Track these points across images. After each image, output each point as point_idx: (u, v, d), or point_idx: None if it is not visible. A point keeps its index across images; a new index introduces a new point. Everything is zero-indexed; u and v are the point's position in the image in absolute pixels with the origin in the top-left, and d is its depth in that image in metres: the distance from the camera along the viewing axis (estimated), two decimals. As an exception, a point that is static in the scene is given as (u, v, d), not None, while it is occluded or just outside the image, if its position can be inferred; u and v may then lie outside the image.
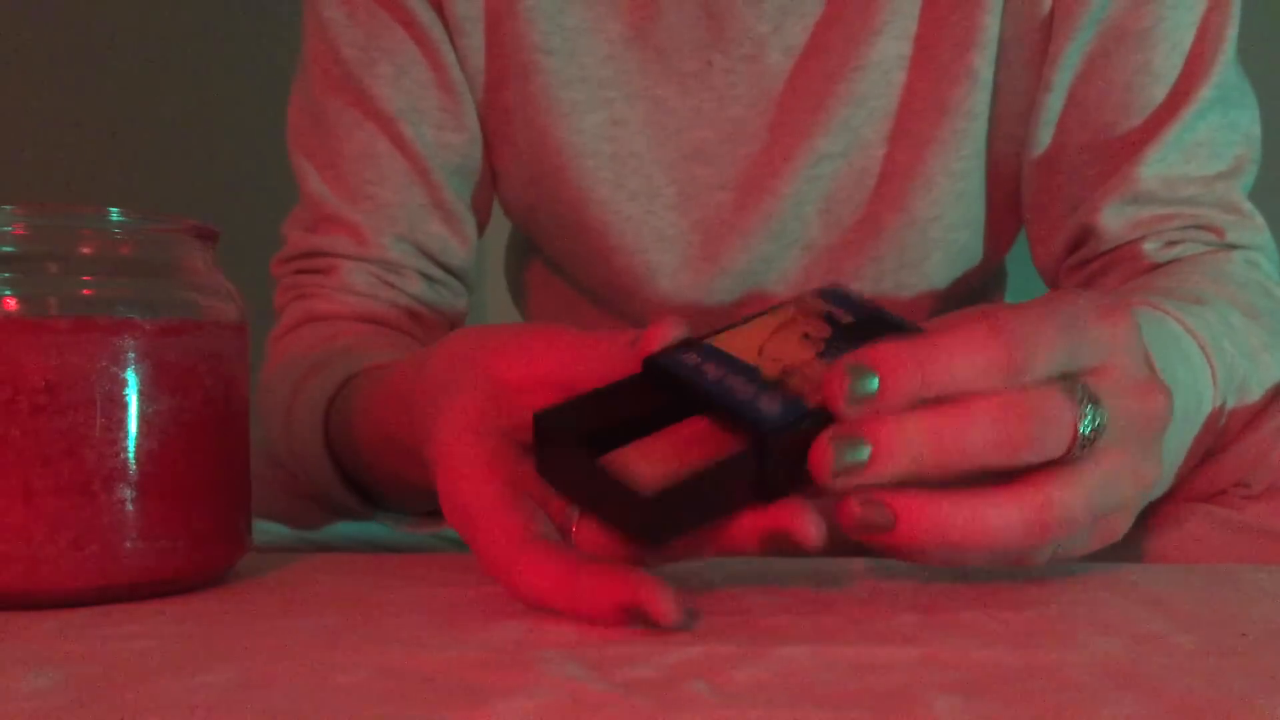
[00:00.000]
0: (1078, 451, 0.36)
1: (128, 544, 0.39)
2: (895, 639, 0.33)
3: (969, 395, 0.35)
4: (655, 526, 0.34)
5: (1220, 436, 0.52)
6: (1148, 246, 0.60)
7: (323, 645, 0.33)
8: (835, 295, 0.40)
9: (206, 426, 0.41)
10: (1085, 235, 0.62)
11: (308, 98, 0.69)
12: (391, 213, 0.68)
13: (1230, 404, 0.51)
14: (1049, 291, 0.40)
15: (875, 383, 0.34)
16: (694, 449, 0.35)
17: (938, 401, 0.34)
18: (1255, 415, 0.53)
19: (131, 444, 0.39)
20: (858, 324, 0.39)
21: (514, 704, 0.27)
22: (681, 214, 0.67)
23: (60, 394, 0.38)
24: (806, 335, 0.38)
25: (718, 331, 0.39)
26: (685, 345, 0.38)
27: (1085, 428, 0.36)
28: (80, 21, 1.32)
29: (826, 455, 0.34)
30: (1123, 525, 0.39)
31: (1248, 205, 0.61)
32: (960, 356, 0.34)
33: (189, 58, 1.26)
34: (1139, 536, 0.51)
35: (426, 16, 0.66)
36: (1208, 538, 0.51)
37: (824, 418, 0.35)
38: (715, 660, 0.30)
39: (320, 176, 0.68)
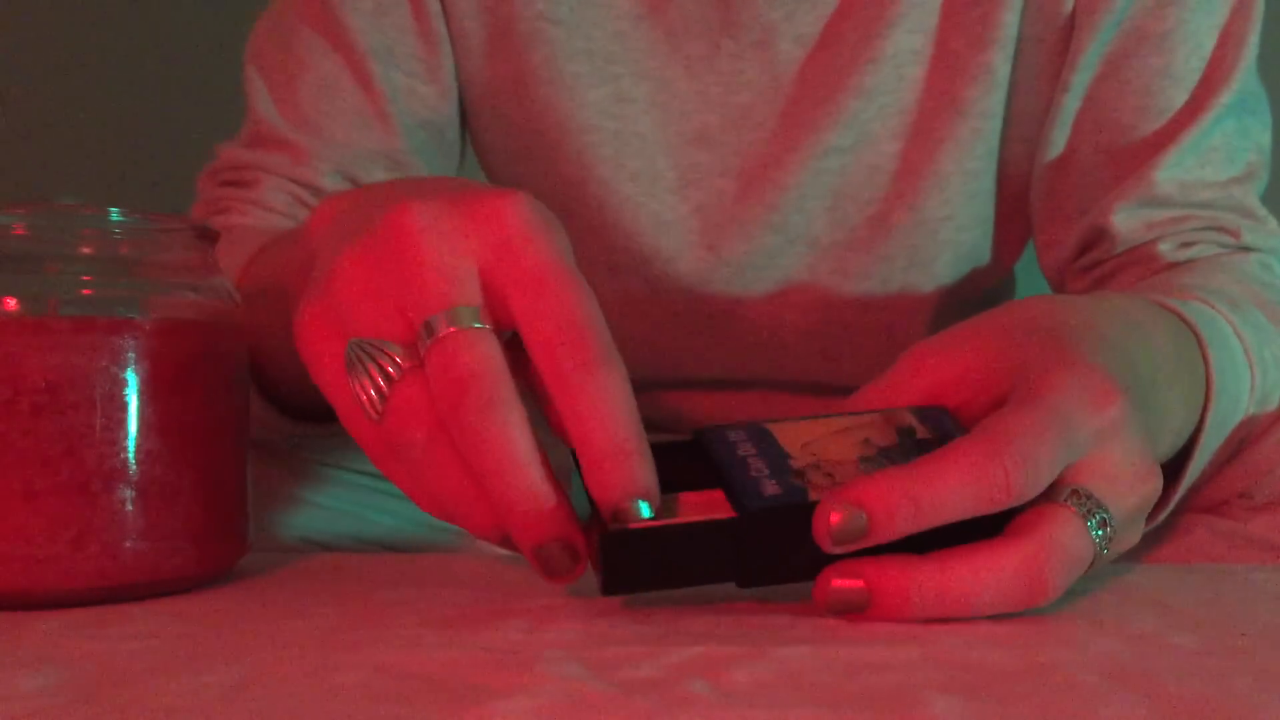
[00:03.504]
0: (1094, 563, 0.36)
1: (128, 544, 0.39)
2: (895, 639, 0.33)
3: (986, 551, 0.34)
4: (612, 568, 0.35)
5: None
6: (1163, 247, 0.60)
7: (323, 645, 0.33)
8: (931, 415, 0.38)
9: (206, 426, 0.41)
10: (1097, 237, 0.62)
11: (277, 19, 0.67)
12: (337, 149, 0.65)
13: (1255, 411, 0.51)
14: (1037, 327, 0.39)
15: (864, 521, 0.33)
16: (691, 515, 0.36)
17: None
18: (1269, 426, 0.52)
19: (131, 444, 0.39)
20: (929, 441, 0.37)
21: (514, 704, 0.27)
22: (681, 198, 0.66)
23: (60, 394, 0.38)
24: (867, 440, 0.37)
25: (789, 420, 0.39)
26: (741, 424, 0.38)
27: (1100, 541, 0.35)
28: (81, 21, 1.32)
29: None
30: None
31: (1262, 210, 0.61)
32: (957, 489, 0.33)
33: (191, 58, 1.26)
34: (1140, 545, 0.51)
35: None
36: (1210, 549, 0.51)
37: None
38: (715, 660, 0.30)
39: (271, 96, 0.66)
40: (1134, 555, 0.50)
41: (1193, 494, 0.52)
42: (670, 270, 0.68)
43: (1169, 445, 0.45)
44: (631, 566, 0.35)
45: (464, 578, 0.43)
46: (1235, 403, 0.48)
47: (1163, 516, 0.47)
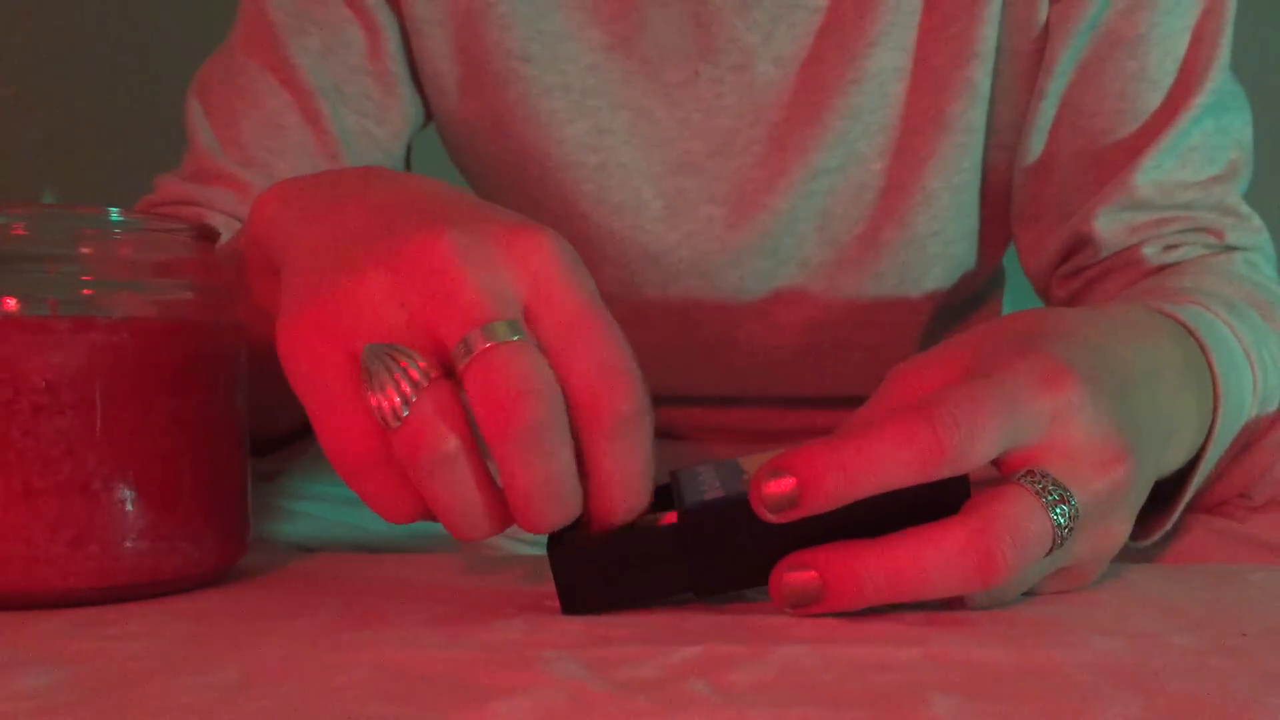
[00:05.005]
0: (1058, 547, 0.35)
1: (128, 544, 0.39)
2: (895, 639, 0.33)
3: (932, 530, 0.34)
4: (565, 583, 0.36)
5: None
6: (1147, 251, 0.60)
7: (323, 645, 0.33)
8: None
9: (206, 426, 0.41)
10: (1080, 243, 0.62)
11: (227, 54, 0.66)
12: None
13: (1257, 414, 0.51)
14: (984, 339, 0.39)
15: (795, 488, 0.33)
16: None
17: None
18: (1269, 427, 0.52)
19: (131, 444, 0.39)
20: None
21: (514, 704, 0.27)
22: (669, 228, 0.66)
23: (60, 394, 0.38)
24: None
25: (764, 452, 0.39)
26: (713, 461, 0.39)
27: (1060, 518, 0.35)
28: (82, 21, 1.32)
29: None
30: (1093, 573, 0.39)
31: (1245, 207, 0.61)
32: (888, 454, 0.33)
33: (192, 59, 1.26)
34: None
35: (375, 1, 0.64)
36: (1207, 548, 0.51)
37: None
38: (715, 660, 0.30)
39: (215, 132, 0.64)
40: (1134, 555, 0.51)
41: (1194, 496, 0.52)
42: (662, 298, 0.67)
43: (1186, 451, 0.45)
44: (584, 580, 0.36)
45: (463, 578, 0.43)
46: (1240, 406, 0.48)
47: (1170, 524, 0.47)
